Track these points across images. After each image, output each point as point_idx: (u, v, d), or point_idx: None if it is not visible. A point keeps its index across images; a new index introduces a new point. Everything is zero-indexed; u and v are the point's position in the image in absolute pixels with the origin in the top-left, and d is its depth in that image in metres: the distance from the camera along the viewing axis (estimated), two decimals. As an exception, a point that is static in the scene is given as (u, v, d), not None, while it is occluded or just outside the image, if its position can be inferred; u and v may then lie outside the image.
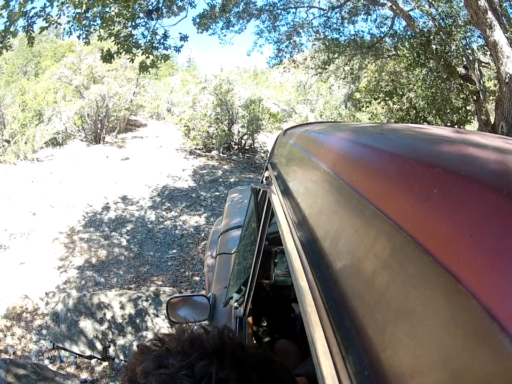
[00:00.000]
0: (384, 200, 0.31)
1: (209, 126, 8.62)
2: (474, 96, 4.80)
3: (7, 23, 3.88)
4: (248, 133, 8.90)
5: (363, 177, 0.38)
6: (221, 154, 8.64)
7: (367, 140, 0.48)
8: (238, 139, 9.02)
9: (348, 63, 7.19)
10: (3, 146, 7.80)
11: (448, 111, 6.34)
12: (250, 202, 1.51)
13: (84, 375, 2.87)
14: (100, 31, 4.49)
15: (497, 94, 4.03)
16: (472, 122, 6.52)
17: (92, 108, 9.68)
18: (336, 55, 6.67)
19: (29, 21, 3.97)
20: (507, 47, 3.50)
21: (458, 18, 4.79)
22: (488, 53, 4.35)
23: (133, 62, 4.81)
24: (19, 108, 8.98)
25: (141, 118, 14.10)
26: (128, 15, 4.33)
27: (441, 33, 4.77)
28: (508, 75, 3.50)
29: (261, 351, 0.52)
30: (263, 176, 1.24)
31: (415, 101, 6.85)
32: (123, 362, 2.93)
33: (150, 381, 0.45)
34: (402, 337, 0.24)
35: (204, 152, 8.84)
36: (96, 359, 3.00)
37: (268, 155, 1.40)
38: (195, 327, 0.54)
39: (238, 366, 0.46)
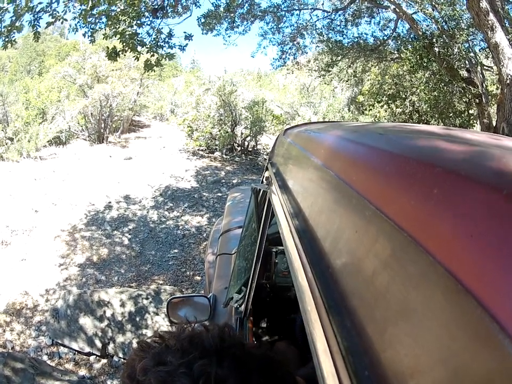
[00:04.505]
0: (384, 200, 0.31)
1: (212, 127, 8.64)
2: (477, 100, 4.79)
3: (13, 18, 3.91)
4: (251, 134, 8.91)
5: (363, 177, 0.38)
6: (224, 156, 8.65)
7: (368, 140, 0.48)
8: (241, 140, 9.03)
9: (351, 65, 7.19)
10: (6, 144, 7.84)
11: (451, 114, 6.33)
12: (251, 203, 1.51)
13: (82, 372, 2.87)
14: (105, 30, 4.52)
15: (498, 96, 4.01)
16: (474, 126, 6.50)
17: (95, 107, 9.73)
18: (339, 58, 6.67)
19: (35, 16, 4.00)
20: (508, 48, 3.49)
21: (461, 21, 4.78)
22: (491, 56, 4.34)
23: (138, 60, 4.83)
24: (23, 106, 9.04)
25: (144, 118, 14.14)
26: (133, 14, 4.36)
27: (444, 36, 4.76)
28: (509, 76, 3.49)
29: (262, 350, 0.52)
30: (263, 176, 1.24)
31: (417, 105, 6.84)
32: (122, 359, 2.93)
33: (149, 378, 0.44)
34: (403, 337, 0.24)
35: (206, 153, 8.85)
36: (95, 356, 3.00)
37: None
38: (196, 325, 0.53)
39: (238, 365, 0.46)
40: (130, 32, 4.49)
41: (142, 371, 0.46)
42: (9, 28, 3.96)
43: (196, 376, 0.43)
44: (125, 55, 4.76)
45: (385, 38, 6.51)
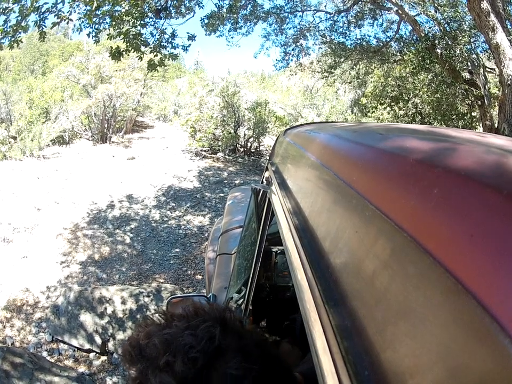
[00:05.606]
0: (384, 200, 0.31)
1: (215, 128, 8.65)
2: (479, 101, 4.77)
3: (19, 18, 3.93)
4: (254, 135, 8.92)
5: (363, 177, 0.38)
6: (227, 157, 8.66)
7: (368, 140, 0.48)
8: (244, 141, 9.04)
9: (354, 67, 7.17)
10: (9, 143, 7.88)
11: (454, 116, 6.31)
12: (251, 203, 1.51)
13: (82, 368, 2.87)
14: (109, 30, 4.55)
15: (500, 97, 3.99)
16: (477, 128, 6.47)
17: (99, 107, 9.76)
18: (342, 59, 6.67)
19: (41, 16, 4.02)
20: (509, 49, 3.47)
21: (463, 22, 4.77)
22: (492, 57, 4.32)
23: (141, 60, 4.86)
24: (26, 105, 9.09)
25: (147, 119, 14.18)
26: (137, 14, 4.39)
27: (446, 37, 4.75)
28: (510, 77, 3.47)
29: (260, 330, 0.54)
30: (263, 176, 1.23)
31: (420, 107, 6.82)
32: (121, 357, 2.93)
33: (153, 340, 0.45)
34: (403, 337, 0.24)
35: (209, 154, 8.87)
36: (94, 353, 3.00)
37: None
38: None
39: (239, 337, 0.47)
40: (134, 33, 4.52)
41: (146, 336, 0.46)
42: (15, 28, 3.99)
43: (201, 336, 0.44)
44: (128, 55, 4.79)
45: (388, 39, 6.50)
